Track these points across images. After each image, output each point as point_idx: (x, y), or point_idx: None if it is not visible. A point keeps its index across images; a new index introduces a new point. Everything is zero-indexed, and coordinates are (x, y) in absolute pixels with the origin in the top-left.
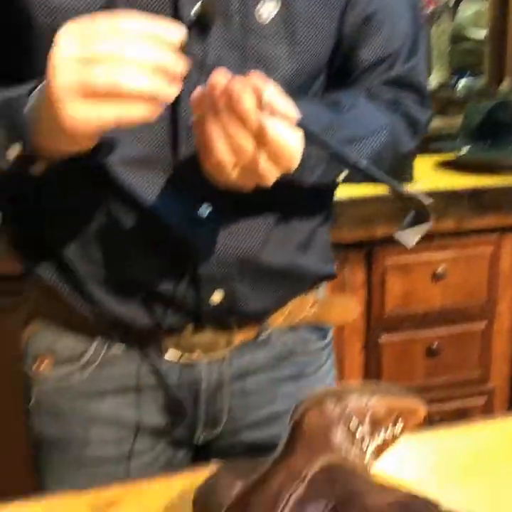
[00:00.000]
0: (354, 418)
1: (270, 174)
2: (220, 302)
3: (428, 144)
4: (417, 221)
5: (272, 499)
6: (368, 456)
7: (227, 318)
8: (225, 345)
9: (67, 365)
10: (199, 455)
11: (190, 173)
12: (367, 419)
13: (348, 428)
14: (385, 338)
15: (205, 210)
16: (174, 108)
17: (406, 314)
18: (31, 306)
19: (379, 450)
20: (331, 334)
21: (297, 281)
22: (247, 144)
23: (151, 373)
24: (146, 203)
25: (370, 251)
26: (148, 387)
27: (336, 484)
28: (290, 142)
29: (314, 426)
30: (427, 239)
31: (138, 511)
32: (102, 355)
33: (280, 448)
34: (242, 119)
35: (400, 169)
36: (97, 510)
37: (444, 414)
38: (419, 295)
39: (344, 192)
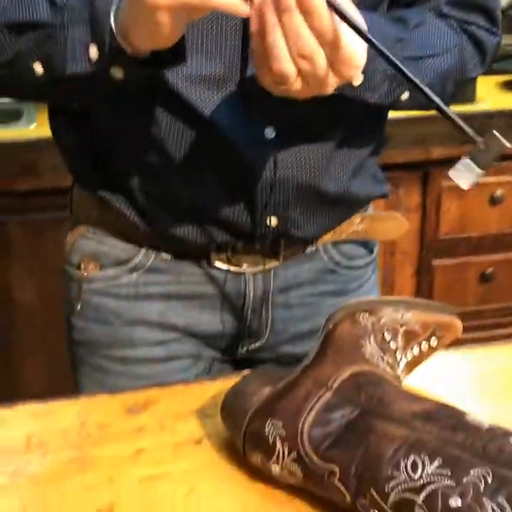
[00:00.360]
0: (387, 331)
1: (333, 82)
2: (274, 227)
3: (492, 64)
4: (477, 161)
5: (297, 405)
6: (400, 369)
7: (278, 240)
8: (272, 260)
9: (115, 268)
10: (240, 367)
11: (257, 95)
12: (400, 333)
13: (381, 340)
14: (438, 263)
15: (270, 133)
16: (246, 26)
17: (460, 238)
18: (79, 214)
19: (412, 365)
20: (376, 250)
21: (350, 207)
22: (316, 48)
23: (199, 282)
24: (211, 122)
25: (425, 172)
26: (194, 295)
27: (364, 392)
28: (358, 51)
29: (346, 336)
30: None
31: (171, 412)
32: (150, 261)
33: (310, 356)
34: (312, 19)
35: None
36: (132, 410)
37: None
38: (475, 219)
39: (400, 111)
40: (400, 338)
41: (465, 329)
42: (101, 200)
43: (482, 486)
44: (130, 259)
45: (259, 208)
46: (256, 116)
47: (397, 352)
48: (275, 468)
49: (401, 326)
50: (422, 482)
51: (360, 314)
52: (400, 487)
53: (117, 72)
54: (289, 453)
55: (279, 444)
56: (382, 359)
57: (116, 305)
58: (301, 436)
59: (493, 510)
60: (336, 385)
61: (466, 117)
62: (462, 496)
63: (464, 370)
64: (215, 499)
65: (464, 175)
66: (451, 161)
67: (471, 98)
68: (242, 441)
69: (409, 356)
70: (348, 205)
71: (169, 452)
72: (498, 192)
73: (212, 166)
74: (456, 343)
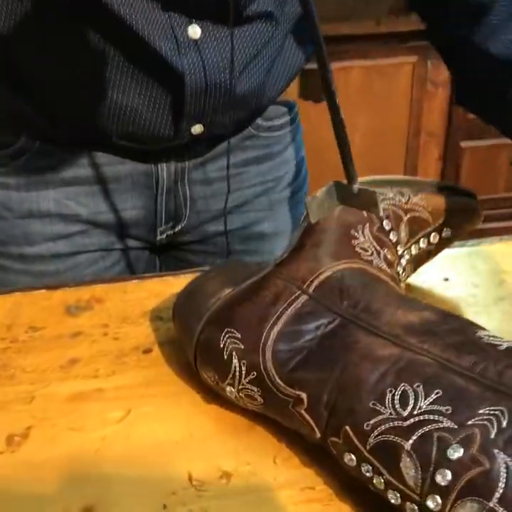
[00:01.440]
0: (387, 218)
1: None
2: (197, 133)
3: None
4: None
5: (262, 312)
6: (400, 267)
7: (197, 140)
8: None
9: None
10: (161, 254)
11: None
12: (404, 221)
13: (378, 230)
14: (466, 145)
15: (194, 33)
16: None
17: None
18: None
19: (417, 261)
20: (296, 108)
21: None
22: None
23: (100, 163)
24: (131, 24)
25: None
26: (96, 179)
27: (347, 297)
28: None
29: (334, 224)
30: None
31: (118, 314)
32: (38, 144)
33: (285, 250)
34: None
35: None
36: (72, 310)
37: None
38: None
39: None
40: (403, 228)
41: (492, 218)
42: None
43: (493, 432)
44: (13, 143)
45: (185, 118)
46: (178, 16)
47: (399, 246)
48: (230, 390)
49: (406, 212)
50: (412, 421)
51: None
52: (383, 426)
53: None
54: (248, 372)
55: (235, 361)
56: (379, 254)
57: (4, 196)
58: (262, 352)
59: (506, 466)
60: (313, 286)
61: None
62: (465, 443)
63: (481, 269)
64: (155, 426)
65: (319, 203)
66: None
67: None
68: (194, 354)
69: (414, 251)
70: (273, 97)
71: (108, 364)
72: None
73: (137, 72)
74: (475, 234)
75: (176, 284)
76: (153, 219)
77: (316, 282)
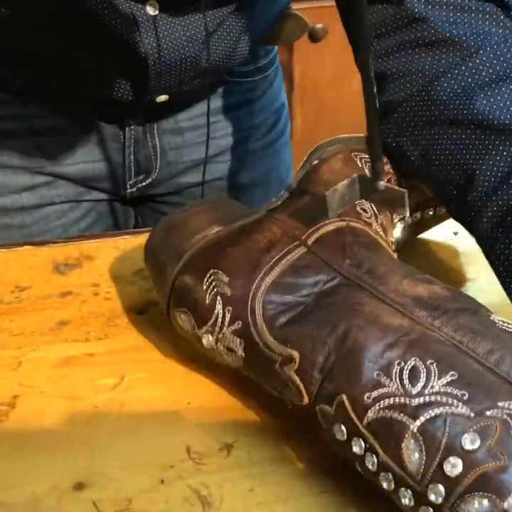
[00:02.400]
0: (388, 181)
1: None
2: (163, 101)
3: None
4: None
5: (255, 256)
6: (392, 237)
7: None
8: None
9: None
10: (133, 206)
11: None
12: (405, 186)
13: None
14: None
15: (152, 10)
16: None
17: None
18: None
19: (417, 227)
20: (274, 52)
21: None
22: None
23: (63, 112)
24: (92, 5)
25: None
26: (60, 129)
27: (349, 255)
28: None
29: (336, 177)
30: None
31: (110, 272)
32: None
33: (282, 195)
34: None
35: None
36: (60, 268)
37: None
38: None
39: None
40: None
41: None
42: None
43: None
44: None
45: (150, 92)
46: None
47: (395, 214)
48: (207, 339)
49: (406, 178)
50: (422, 401)
51: (357, 154)
52: (387, 400)
53: None
54: (232, 321)
55: (219, 306)
56: (376, 219)
57: None
58: (252, 301)
59: None
60: (312, 239)
61: None
62: (483, 434)
63: None
64: (150, 394)
65: (339, 197)
66: None
67: None
68: (168, 293)
69: (409, 221)
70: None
71: (100, 326)
72: None
73: (97, 51)
74: None
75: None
76: (122, 172)
77: (315, 235)
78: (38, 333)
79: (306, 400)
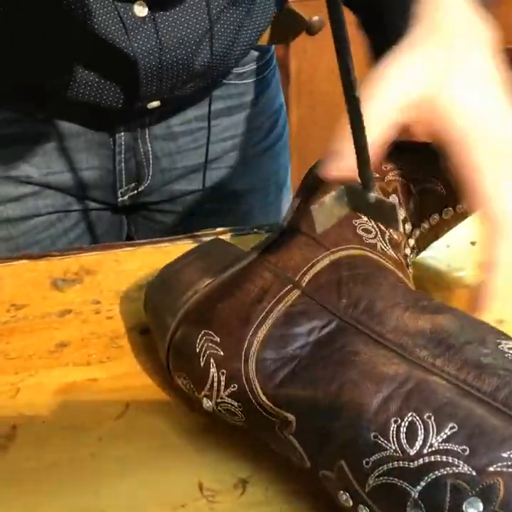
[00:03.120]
0: (393, 191)
1: None
2: (154, 107)
3: None
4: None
5: (245, 310)
6: (408, 246)
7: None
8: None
9: None
10: (132, 216)
11: None
12: (414, 193)
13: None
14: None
15: (140, 11)
16: None
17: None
18: None
19: (430, 237)
20: (271, 52)
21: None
22: None
23: (51, 119)
24: (75, 6)
25: None
26: (46, 136)
27: (346, 292)
28: None
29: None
30: None
31: (111, 288)
32: None
33: (273, 232)
34: None
35: None
36: (59, 284)
37: None
38: None
39: None
40: (411, 203)
41: None
42: None
43: None
44: None
45: (141, 98)
46: None
47: (407, 223)
48: (207, 403)
49: (415, 183)
50: (421, 462)
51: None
52: (386, 465)
53: None
54: (227, 384)
55: (213, 370)
56: (383, 235)
57: None
58: (245, 361)
59: None
60: (306, 279)
61: None
62: (485, 496)
63: None
64: (157, 423)
65: (327, 211)
66: None
67: None
68: (166, 356)
69: (425, 227)
70: (234, 62)
71: (102, 348)
72: None
73: (85, 59)
74: None
75: (172, 252)
76: (113, 180)
77: (310, 274)
78: (37, 356)
79: (308, 464)
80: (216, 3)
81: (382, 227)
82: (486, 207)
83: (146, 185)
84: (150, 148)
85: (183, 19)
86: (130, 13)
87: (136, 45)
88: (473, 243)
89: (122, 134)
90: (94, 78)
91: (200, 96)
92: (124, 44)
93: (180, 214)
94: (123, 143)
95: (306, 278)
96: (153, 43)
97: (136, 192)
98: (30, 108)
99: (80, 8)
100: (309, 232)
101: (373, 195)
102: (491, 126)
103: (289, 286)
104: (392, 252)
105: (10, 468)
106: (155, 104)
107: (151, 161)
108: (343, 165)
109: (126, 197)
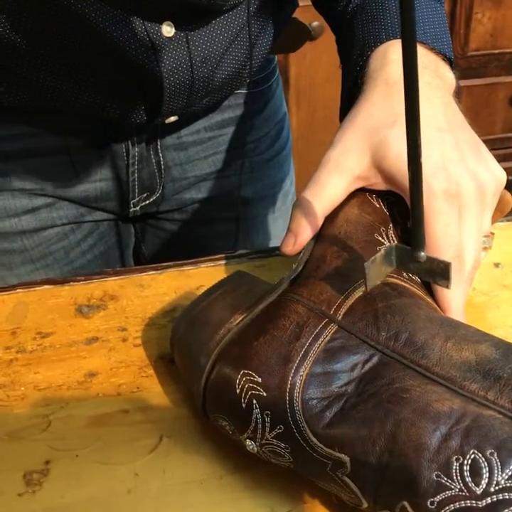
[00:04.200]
0: None
1: None
2: (173, 121)
3: None
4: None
5: (286, 345)
6: None
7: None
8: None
9: None
10: (140, 224)
11: None
12: None
13: (405, 230)
14: (464, 84)
15: (167, 30)
16: None
17: (492, 55)
18: None
19: None
20: (275, 61)
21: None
22: None
23: (61, 131)
24: (101, 27)
25: None
26: (60, 149)
27: (385, 326)
28: None
29: (354, 228)
30: None
31: (138, 313)
32: None
33: (301, 259)
34: None
35: None
36: (84, 310)
37: None
38: (510, 32)
39: None
40: None
41: None
42: None
43: None
44: None
45: (161, 115)
46: (149, 14)
47: None
48: (251, 446)
49: None
50: (489, 501)
51: (373, 194)
52: (453, 505)
53: None
54: (273, 426)
55: (256, 411)
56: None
57: None
58: (290, 401)
59: None
60: (342, 312)
61: None
62: None
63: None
64: (193, 457)
65: (377, 268)
66: None
67: None
68: (202, 400)
69: None
70: (247, 74)
71: (132, 377)
72: None
73: (111, 80)
74: None
75: (196, 275)
76: (126, 191)
77: (344, 307)
78: (66, 386)
79: (365, 504)
80: (236, 22)
81: None
82: (440, 251)
83: (157, 195)
84: (162, 159)
85: (206, 38)
86: (159, 34)
87: (163, 64)
88: (497, 265)
89: (135, 145)
90: (119, 97)
91: (213, 107)
92: (152, 64)
93: (188, 222)
94: (136, 154)
95: (342, 311)
96: (179, 63)
97: (147, 202)
98: (46, 124)
99: (109, 31)
100: (336, 262)
101: (424, 254)
102: (441, 166)
103: (325, 321)
104: (416, 278)
105: (45, 505)
106: (173, 119)
107: (162, 171)
108: (299, 241)
109: (138, 207)
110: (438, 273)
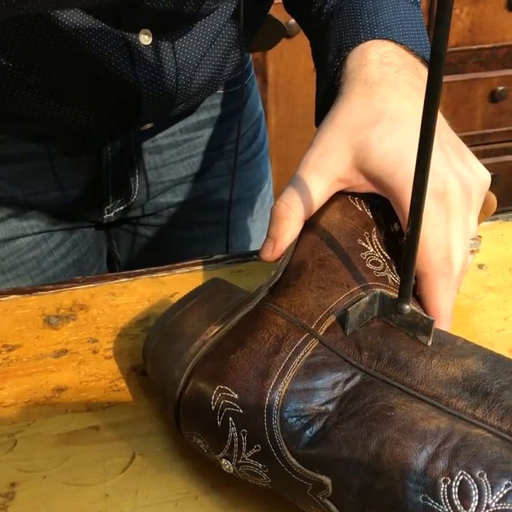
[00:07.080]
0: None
1: None
2: (148, 128)
3: None
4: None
5: (264, 360)
6: None
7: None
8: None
9: None
10: (115, 230)
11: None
12: None
13: (387, 233)
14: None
15: (146, 38)
16: None
17: (470, 51)
18: None
19: None
20: (250, 60)
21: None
22: None
23: (31, 137)
24: (79, 37)
25: None
26: (29, 154)
27: (367, 346)
28: None
29: (336, 232)
30: None
31: (109, 323)
32: None
33: (279, 266)
34: None
35: None
36: (52, 321)
37: (500, 170)
38: (489, 27)
39: None
40: None
41: None
42: None
43: None
44: None
45: (139, 122)
46: (127, 23)
47: None
48: (228, 466)
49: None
50: None
51: (355, 197)
52: None
53: None
54: (249, 446)
55: (233, 429)
56: (390, 266)
57: None
58: (268, 419)
59: None
60: (324, 328)
61: None
62: None
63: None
64: (167, 475)
65: (359, 314)
66: None
67: None
68: (175, 414)
69: None
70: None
71: (102, 392)
72: None
73: (88, 88)
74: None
75: (170, 282)
76: (99, 197)
77: (326, 323)
78: (33, 402)
79: None
80: (213, 26)
81: (388, 256)
82: (429, 253)
83: (132, 201)
84: (136, 163)
85: (183, 45)
86: (137, 43)
87: (141, 74)
88: (480, 266)
89: (109, 151)
90: (95, 105)
91: (188, 111)
92: (130, 74)
93: (165, 227)
94: (109, 159)
95: (324, 326)
96: (157, 71)
97: (122, 208)
98: (18, 130)
99: (86, 40)
100: (319, 272)
101: (408, 307)
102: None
103: (306, 335)
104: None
105: None
106: (148, 125)
107: (137, 176)
108: (278, 247)
109: (112, 214)
110: (420, 328)
